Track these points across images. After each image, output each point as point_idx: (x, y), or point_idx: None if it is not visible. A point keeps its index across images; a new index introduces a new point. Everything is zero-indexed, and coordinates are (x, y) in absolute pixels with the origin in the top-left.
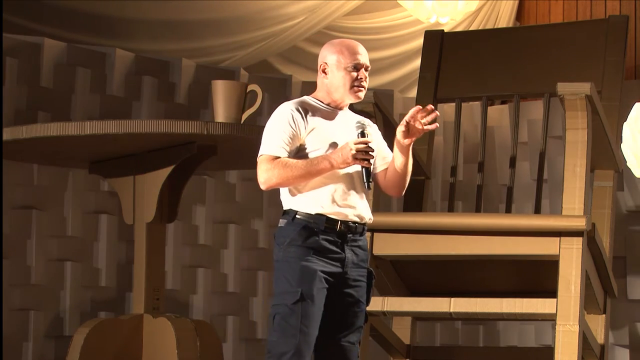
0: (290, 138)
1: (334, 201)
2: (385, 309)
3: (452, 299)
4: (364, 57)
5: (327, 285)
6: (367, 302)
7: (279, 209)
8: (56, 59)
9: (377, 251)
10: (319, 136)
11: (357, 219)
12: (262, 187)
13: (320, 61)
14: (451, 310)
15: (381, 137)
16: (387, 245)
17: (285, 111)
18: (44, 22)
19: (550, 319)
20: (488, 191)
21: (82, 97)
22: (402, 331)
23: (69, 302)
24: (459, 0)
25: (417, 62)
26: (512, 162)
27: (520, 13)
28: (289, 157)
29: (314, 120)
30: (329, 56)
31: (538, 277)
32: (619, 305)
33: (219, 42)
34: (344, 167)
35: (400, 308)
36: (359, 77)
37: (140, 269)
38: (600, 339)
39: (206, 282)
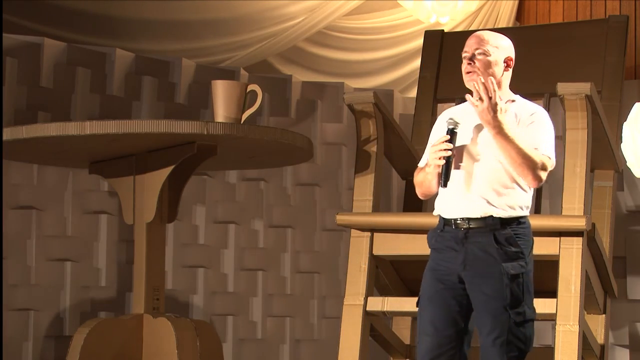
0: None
1: (447, 200)
2: (385, 309)
3: None
4: (468, 46)
5: (445, 286)
6: (506, 297)
7: (279, 209)
8: (56, 59)
9: (377, 251)
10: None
11: (471, 215)
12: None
13: None
14: None
15: (529, 124)
16: (387, 245)
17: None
18: (44, 22)
19: (550, 319)
20: None
21: (82, 97)
22: (402, 331)
23: (69, 302)
24: (459, 0)
25: (417, 62)
26: None
27: (520, 13)
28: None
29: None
30: None
31: (538, 277)
32: (619, 305)
33: (219, 42)
34: (435, 168)
35: (400, 308)
36: (464, 68)
37: (140, 269)
38: (600, 339)
39: (206, 282)
